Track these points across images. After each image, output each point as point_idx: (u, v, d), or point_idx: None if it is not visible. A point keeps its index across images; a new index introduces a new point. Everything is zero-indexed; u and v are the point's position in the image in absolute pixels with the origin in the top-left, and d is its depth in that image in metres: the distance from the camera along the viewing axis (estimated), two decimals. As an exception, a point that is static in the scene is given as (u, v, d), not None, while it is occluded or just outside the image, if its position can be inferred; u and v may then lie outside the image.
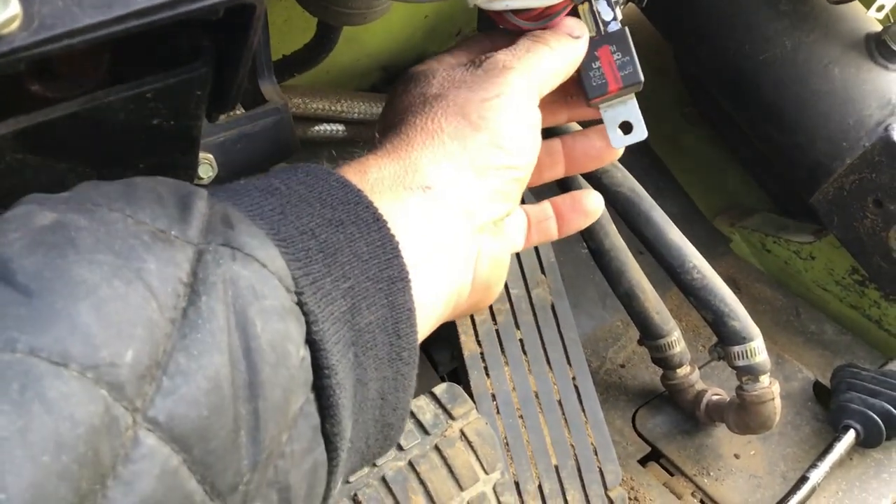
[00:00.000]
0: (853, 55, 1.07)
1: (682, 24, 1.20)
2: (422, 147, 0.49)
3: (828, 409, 1.13)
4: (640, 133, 0.59)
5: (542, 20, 0.55)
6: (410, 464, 0.83)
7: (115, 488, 0.28)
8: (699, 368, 1.12)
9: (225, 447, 0.32)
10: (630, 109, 0.59)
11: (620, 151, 0.63)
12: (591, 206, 0.62)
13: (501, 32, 0.58)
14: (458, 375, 1.02)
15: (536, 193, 1.02)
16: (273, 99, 0.63)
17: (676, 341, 1.06)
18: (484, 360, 1.00)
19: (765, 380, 0.97)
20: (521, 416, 0.99)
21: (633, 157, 0.78)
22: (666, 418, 1.15)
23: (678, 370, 1.08)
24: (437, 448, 0.84)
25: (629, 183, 0.96)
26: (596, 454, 1.01)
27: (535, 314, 1.05)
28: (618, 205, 0.97)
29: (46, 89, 0.41)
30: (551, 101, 0.59)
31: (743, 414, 1.01)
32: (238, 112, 0.61)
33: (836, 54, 1.08)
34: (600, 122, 0.60)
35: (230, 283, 0.34)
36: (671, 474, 1.10)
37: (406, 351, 0.42)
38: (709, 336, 1.19)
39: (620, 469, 1.02)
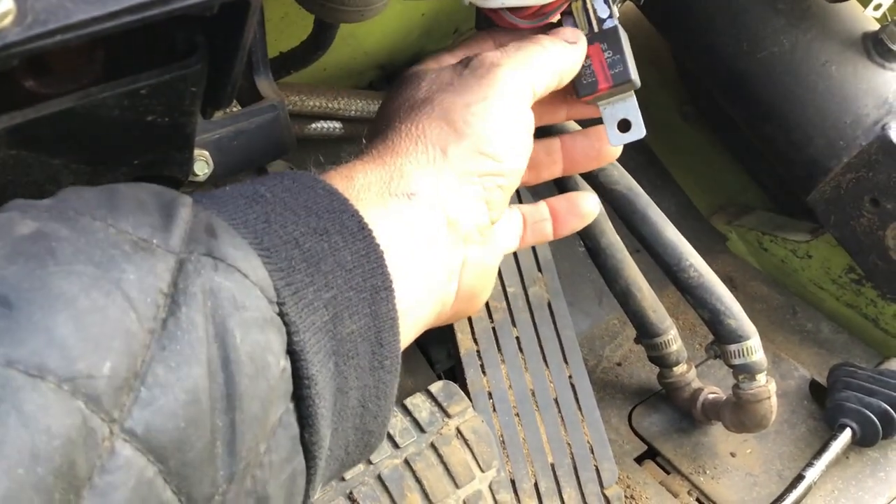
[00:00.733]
0: (850, 54, 1.07)
1: (679, 22, 1.19)
2: (406, 153, 0.48)
3: (824, 408, 1.13)
4: (639, 131, 0.59)
5: (539, 18, 0.55)
6: (406, 462, 0.83)
7: (90, 499, 0.28)
8: (696, 367, 1.12)
9: (201, 458, 0.32)
10: (629, 107, 0.58)
11: (619, 150, 0.63)
12: (587, 208, 0.62)
13: (504, 31, 0.57)
14: (455, 373, 1.01)
15: (534, 193, 1.02)
16: (269, 96, 0.63)
17: (673, 340, 1.06)
18: (480, 358, 0.99)
19: (761, 378, 0.97)
20: (517, 415, 0.99)
21: (630, 155, 0.78)
22: (662, 417, 1.15)
23: (675, 368, 1.08)
24: (433, 446, 0.84)
25: (626, 181, 0.96)
26: (592, 452, 1.01)
27: (531, 312, 1.05)
28: (614, 203, 0.96)
29: (40, 85, 0.41)
30: (550, 99, 0.59)
31: (739, 412, 1.01)
32: (234, 109, 0.61)
33: (834, 53, 1.08)
34: (600, 121, 0.60)
35: (210, 294, 0.34)
36: (667, 472, 1.10)
37: (388, 360, 0.42)
38: (705, 334, 1.19)
39: (617, 467, 1.02)
